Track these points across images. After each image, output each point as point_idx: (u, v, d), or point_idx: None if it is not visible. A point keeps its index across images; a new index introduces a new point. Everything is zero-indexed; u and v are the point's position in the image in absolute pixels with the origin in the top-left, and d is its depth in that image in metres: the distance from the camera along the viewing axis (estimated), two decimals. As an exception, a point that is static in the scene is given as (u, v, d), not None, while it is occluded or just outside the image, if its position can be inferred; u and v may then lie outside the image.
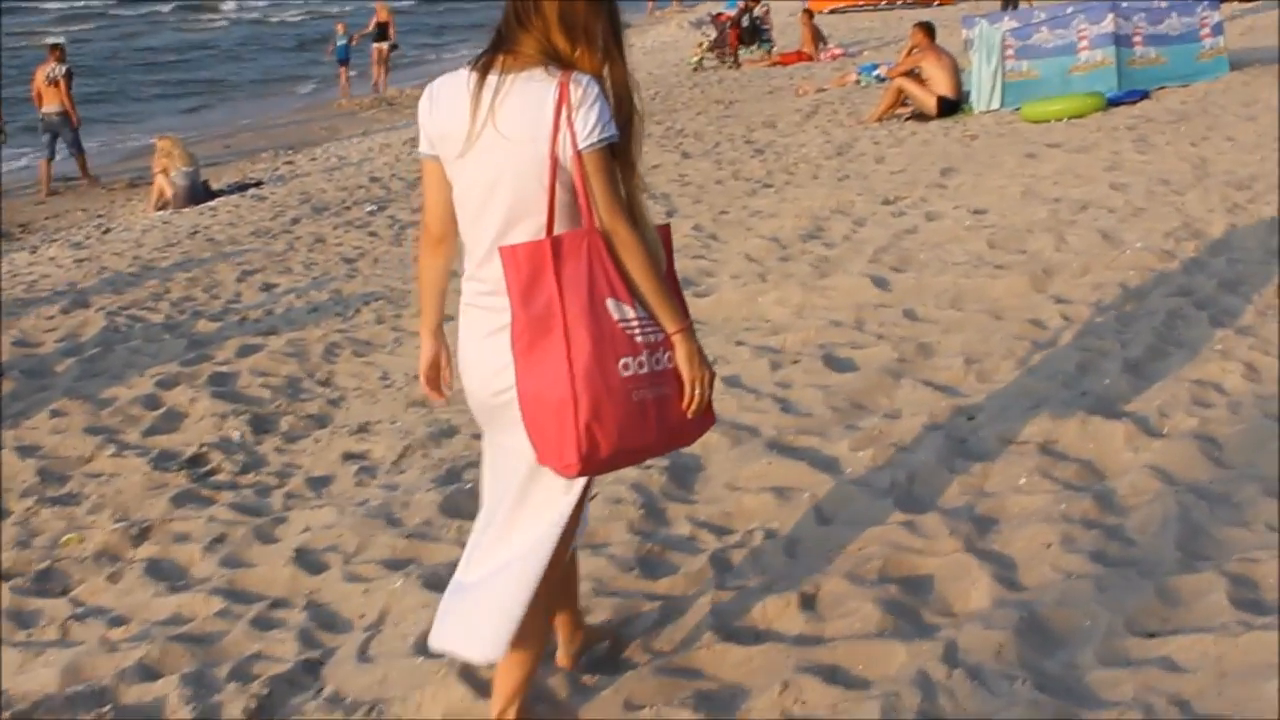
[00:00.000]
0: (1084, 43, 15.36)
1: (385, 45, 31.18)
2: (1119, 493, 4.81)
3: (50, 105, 20.84)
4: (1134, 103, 14.76)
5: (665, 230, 3.52)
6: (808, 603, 4.32)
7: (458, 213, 3.42)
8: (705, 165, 14.31)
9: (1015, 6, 24.32)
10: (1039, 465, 5.12)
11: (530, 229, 3.27)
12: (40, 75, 21.17)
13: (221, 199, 17.36)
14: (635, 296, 3.27)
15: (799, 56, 26.27)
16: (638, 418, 3.27)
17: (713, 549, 4.88)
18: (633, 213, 3.31)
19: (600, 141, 3.21)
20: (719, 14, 28.13)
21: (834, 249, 9.38)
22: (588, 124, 3.19)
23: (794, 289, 8.26)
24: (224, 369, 8.32)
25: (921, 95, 15.76)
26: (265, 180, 18.67)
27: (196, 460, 6.76)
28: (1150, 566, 4.19)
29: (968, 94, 15.96)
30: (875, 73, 20.20)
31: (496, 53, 3.30)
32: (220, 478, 6.54)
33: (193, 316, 9.94)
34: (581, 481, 3.42)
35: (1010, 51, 15.58)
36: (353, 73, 31.47)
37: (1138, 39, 15.47)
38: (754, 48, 27.05)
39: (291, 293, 10.66)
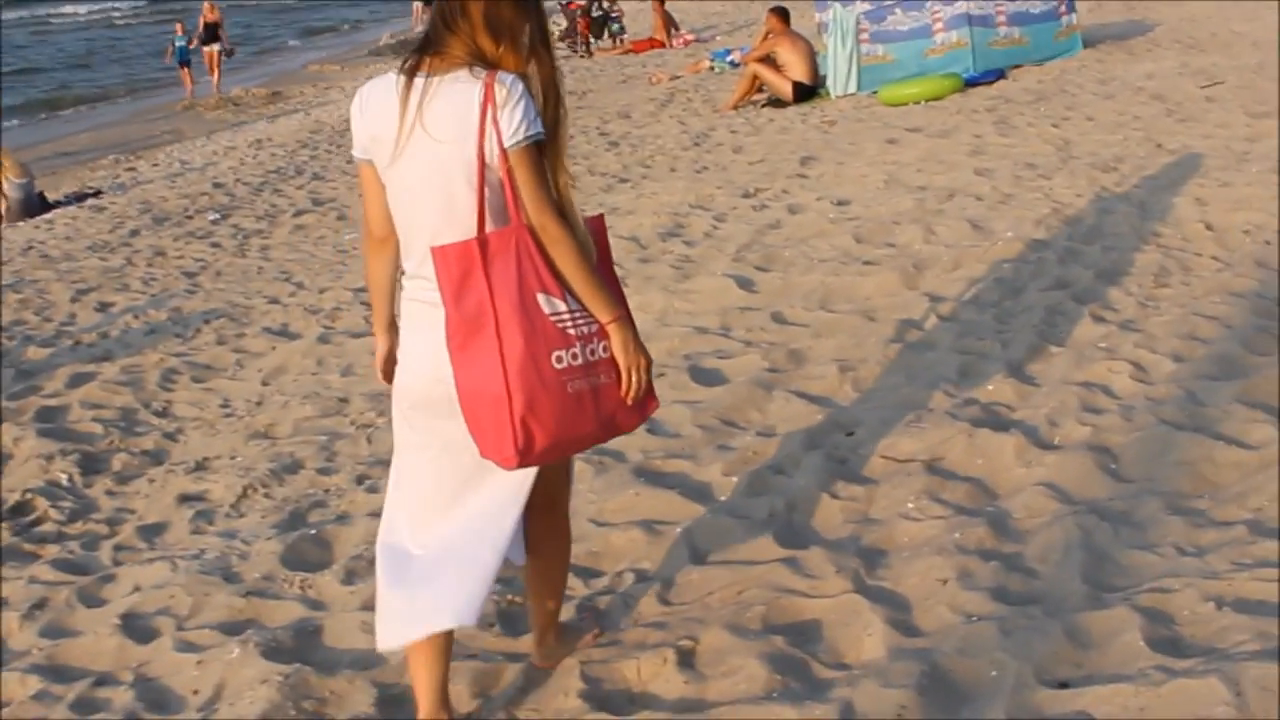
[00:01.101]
0: (939, 24, 15.12)
1: (216, 49, 30.06)
2: (1014, 515, 4.46)
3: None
4: (990, 83, 14.59)
5: (599, 220, 3.57)
6: (686, 660, 3.89)
7: (393, 214, 3.46)
8: (559, 160, 13.81)
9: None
10: (927, 486, 4.75)
11: (462, 228, 3.29)
12: None
13: (59, 210, 16.55)
14: (566, 290, 3.31)
15: (651, 44, 25.94)
16: (574, 408, 3.32)
17: (580, 595, 4.45)
18: (561, 207, 3.33)
19: (526, 139, 3.23)
20: (569, 2, 27.64)
21: (695, 247, 8.99)
22: (513, 122, 3.21)
23: (655, 294, 7.84)
24: (53, 402, 7.77)
25: (777, 81, 15.44)
26: (105, 189, 17.86)
27: (19, 509, 6.23)
28: (1056, 603, 3.82)
29: (824, 78, 15.67)
30: (729, 58, 19.88)
31: (423, 55, 3.32)
32: (45, 528, 6.01)
33: (22, 342, 9.29)
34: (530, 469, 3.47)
35: (865, 35, 15.29)
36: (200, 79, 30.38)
37: (1001, 18, 15.26)
38: (605, 36, 26.63)
39: (129, 312, 10.09)
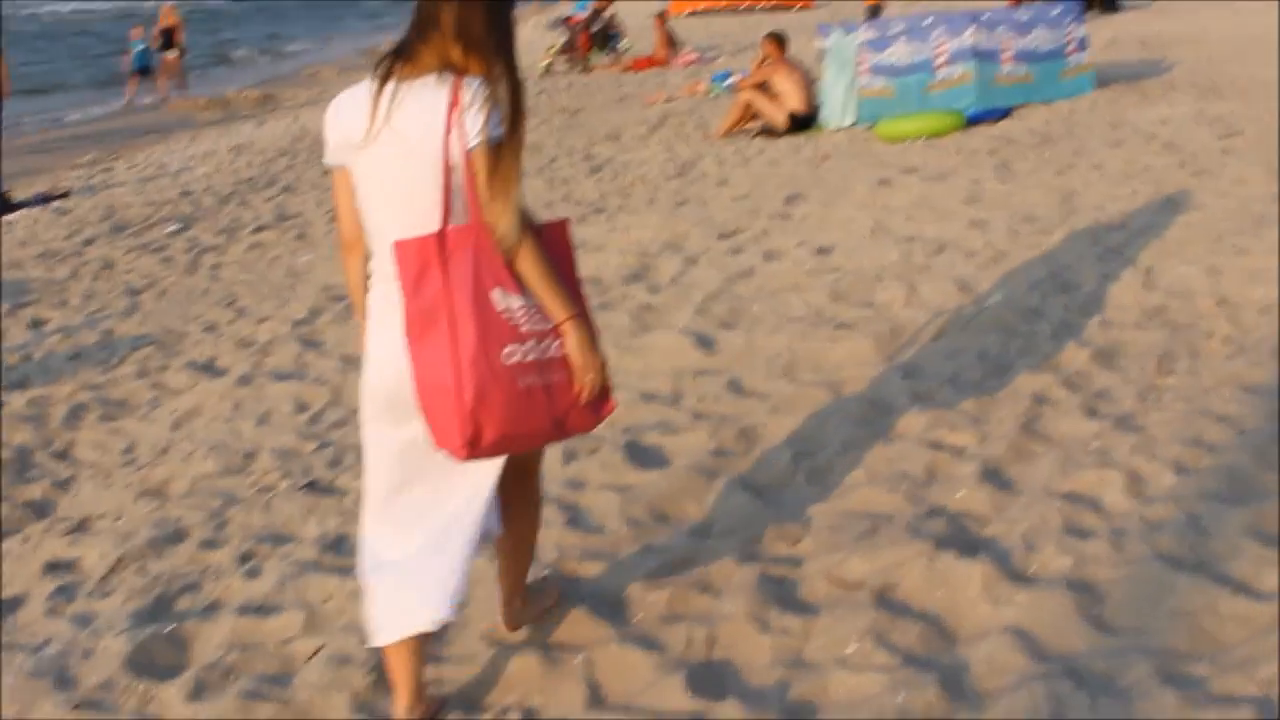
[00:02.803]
0: (942, 58, 14.38)
1: (173, 54, 29.18)
2: (973, 671, 3.69)
3: None
4: (994, 121, 13.86)
5: (563, 226, 3.72)
6: None
7: (365, 214, 3.55)
8: (537, 184, 13.11)
9: (878, 15, 23.46)
10: (874, 623, 3.98)
11: (427, 225, 3.38)
12: None
13: (23, 212, 15.81)
14: (523, 287, 3.41)
15: (651, 62, 25.23)
16: (525, 404, 3.39)
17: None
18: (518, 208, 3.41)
19: (488, 140, 3.33)
20: (569, 17, 26.96)
21: (659, 294, 8.23)
22: (476, 124, 3.33)
23: (607, 348, 7.00)
24: (-52, 440, 7.01)
25: (771, 110, 14.70)
26: (74, 190, 17.14)
27: None
28: (1014, 807, 3.07)
29: (820, 108, 14.93)
30: (727, 82, 19.15)
31: (395, 61, 3.44)
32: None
33: (-60, 361, 8.56)
34: (498, 460, 3.58)
35: (864, 66, 14.54)
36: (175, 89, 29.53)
37: (1006, 54, 14.54)
38: (604, 52, 25.93)
39: (60, 332, 9.38)
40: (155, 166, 18.99)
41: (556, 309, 3.46)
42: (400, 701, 3.74)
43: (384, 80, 3.44)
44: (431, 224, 3.39)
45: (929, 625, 3.98)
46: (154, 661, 4.46)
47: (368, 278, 3.62)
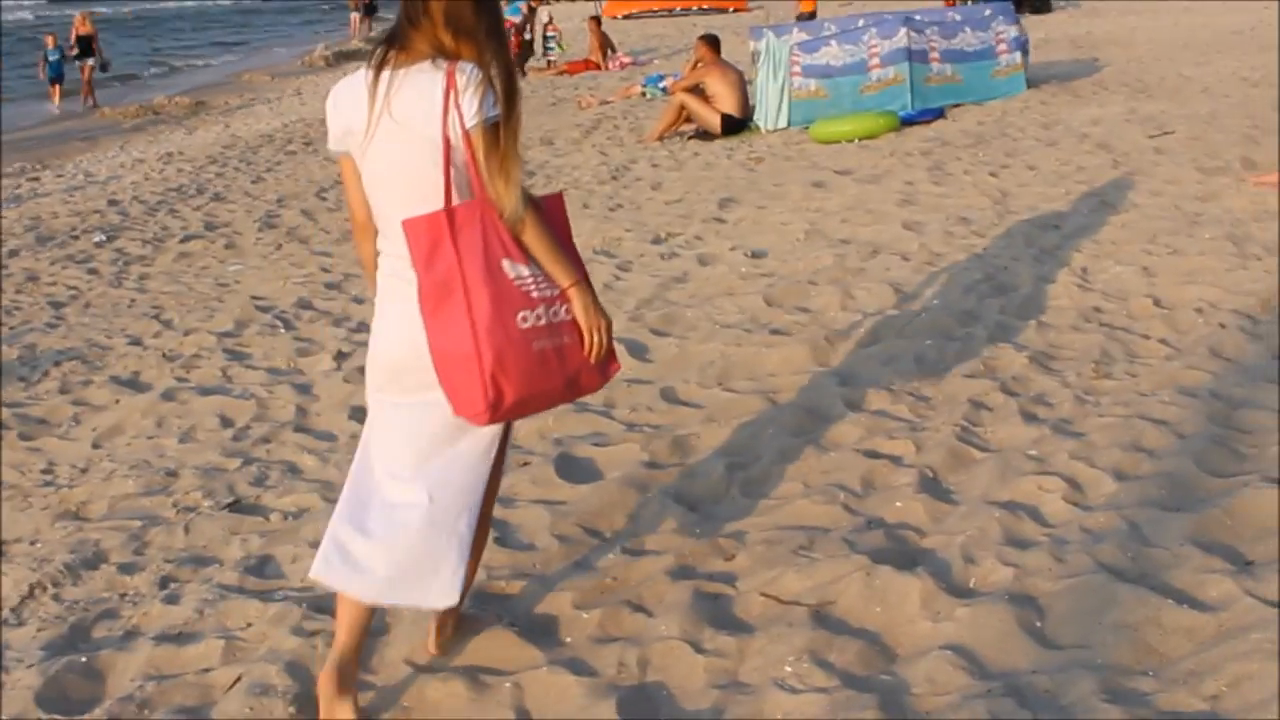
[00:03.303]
0: (875, 60, 14.34)
1: (90, 62, 28.62)
2: (913, 690, 3.58)
3: None
4: (928, 122, 13.83)
5: (559, 198, 3.83)
6: None
7: (369, 197, 3.68)
8: (468, 191, 12.92)
9: (812, 18, 23.44)
10: (811, 643, 3.86)
11: (431, 204, 3.50)
12: None
13: (-53, 223, 15.45)
14: (529, 257, 3.54)
15: (587, 65, 25.11)
16: (539, 366, 3.54)
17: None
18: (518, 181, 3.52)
19: (486, 120, 3.45)
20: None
21: (592, 302, 8.09)
22: (473, 105, 3.44)
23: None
24: None
25: (705, 113, 14.60)
26: (-1, 202, 16.79)
27: None
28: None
29: (754, 110, 14.84)
30: (661, 84, 19.05)
31: (389, 50, 3.57)
32: None
33: None
34: (498, 427, 3.72)
35: (796, 68, 14.47)
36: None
37: (934, 55, 14.52)
38: (542, 56, 25.79)
39: (-21, 346, 9.07)
40: (83, 175, 18.67)
41: (562, 275, 3.60)
42: (329, 660, 3.79)
43: (379, 69, 3.57)
44: (435, 204, 3.51)
45: (867, 643, 3.86)
46: (67, 696, 4.26)
47: (377, 255, 3.76)
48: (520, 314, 3.52)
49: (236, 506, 5.72)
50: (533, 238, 3.56)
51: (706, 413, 5.98)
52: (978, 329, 6.59)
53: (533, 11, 26.31)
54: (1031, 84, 15.19)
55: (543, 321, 3.56)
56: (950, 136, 12.78)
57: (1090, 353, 6.11)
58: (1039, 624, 3.83)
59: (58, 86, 28.26)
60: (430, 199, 3.53)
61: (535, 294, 3.56)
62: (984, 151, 11.72)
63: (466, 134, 3.46)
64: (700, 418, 5.92)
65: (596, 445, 5.73)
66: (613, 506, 5.08)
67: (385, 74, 3.55)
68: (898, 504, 4.73)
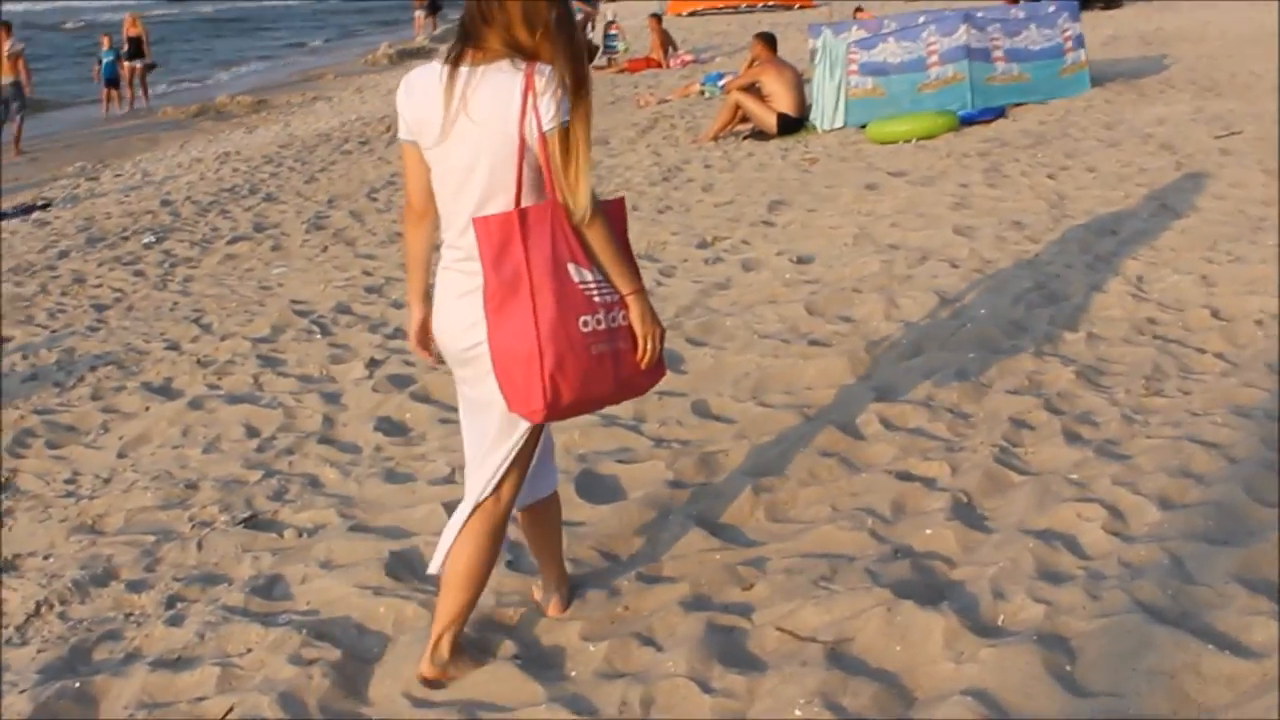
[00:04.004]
0: (934, 58, 14.01)
1: (140, 64, 28.56)
2: (931, 741, 3.34)
3: (7, 77, 22.52)
4: (988, 122, 13.49)
5: (620, 203, 3.84)
6: None
7: (437, 191, 3.73)
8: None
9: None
10: (824, 684, 3.62)
11: (502, 202, 3.58)
12: None
13: (3, 223, 15.51)
14: (593, 261, 3.60)
15: (648, 63, 24.87)
16: (596, 369, 3.61)
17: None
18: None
19: (562, 124, 3.49)
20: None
21: (630, 309, 7.88)
22: (550, 108, 3.48)
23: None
24: (-117, 471, 6.69)
25: (761, 112, 14.34)
26: (56, 201, 16.84)
27: None
28: None
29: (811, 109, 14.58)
30: (720, 83, 18.80)
31: (465, 48, 3.59)
32: None
33: (-107, 385, 8.24)
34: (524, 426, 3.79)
35: (854, 66, 14.16)
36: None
37: (997, 54, 14.16)
38: (599, 55, 25.60)
39: (20, 351, 9.09)
40: (141, 175, 18.72)
41: (623, 281, 3.68)
42: (434, 626, 4.03)
43: (455, 66, 3.60)
44: (505, 200, 3.58)
45: (884, 686, 3.62)
46: (57, 722, 4.13)
47: (436, 248, 3.84)
48: (582, 318, 3.58)
49: (252, 522, 5.58)
50: (599, 242, 3.62)
51: (738, 428, 5.75)
52: (1025, 341, 6.32)
53: (594, 7, 26.10)
54: (1097, 81, 14.78)
55: (602, 326, 3.62)
56: (1010, 137, 12.45)
57: (1141, 367, 5.82)
58: (1069, 668, 3.57)
59: (112, 91, 28.27)
60: (501, 197, 3.59)
61: (597, 299, 3.61)
62: (1043, 152, 11.38)
63: (543, 136, 3.50)
64: (731, 434, 5.70)
65: (621, 462, 5.52)
66: (632, 528, 4.88)
67: (462, 71, 3.58)
68: (927, 531, 4.48)
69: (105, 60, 28.15)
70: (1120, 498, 4.52)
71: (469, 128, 3.56)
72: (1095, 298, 6.90)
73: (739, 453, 5.43)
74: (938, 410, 5.61)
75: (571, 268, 3.57)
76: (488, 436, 3.83)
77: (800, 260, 8.49)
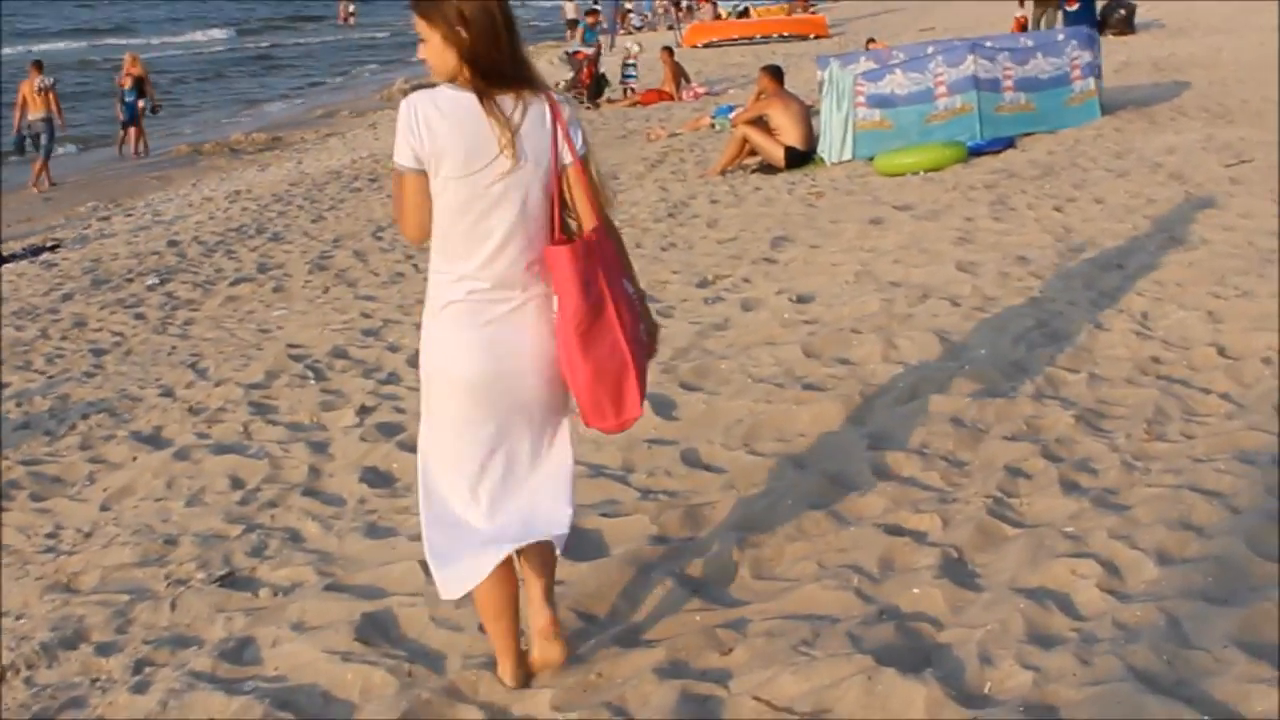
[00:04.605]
0: (941, 89, 13.85)
1: (141, 103, 27.77)
2: (908, 825, 3.16)
3: (37, 113, 23.34)
4: (997, 152, 13.32)
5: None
6: None
7: (456, 221, 3.66)
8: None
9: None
10: (799, 761, 3.45)
11: (533, 231, 3.67)
12: (26, 87, 23.64)
13: (10, 266, 15.46)
14: (631, 276, 3.86)
15: (660, 95, 24.75)
16: (646, 373, 3.83)
17: None
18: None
19: (589, 149, 3.73)
20: (576, 51, 26.54)
21: (625, 351, 7.73)
22: (578, 134, 3.68)
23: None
24: None
25: (768, 146, 14.20)
26: (66, 242, 16.80)
27: None
28: None
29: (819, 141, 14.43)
30: (730, 115, 18.67)
31: (489, 81, 3.57)
32: None
33: (-115, 433, 8.14)
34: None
35: (861, 98, 14.01)
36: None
37: (1007, 83, 13.99)
38: (614, 86, 25.54)
39: (15, 398, 9.04)
40: (151, 215, 18.68)
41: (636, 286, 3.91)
42: (505, 666, 4.08)
43: (486, 98, 3.58)
44: (539, 228, 3.68)
45: (861, 762, 3.45)
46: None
47: (443, 276, 3.76)
48: (639, 326, 3.82)
49: (228, 580, 5.44)
50: (626, 255, 3.90)
51: (727, 478, 5.59)
52: (1024, 383, 6.15)
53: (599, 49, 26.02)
54: (1107, 110, 14.60)
55: (643, 333, 3.85)
56: (1018, 167, 12.28)
57: (1143, 410, 5.64)
58: (1057, 743, 3.39)
59: (131, 130, 27.69)
60: (533, 225, 3.67)
61: (639, 308, 3.86)
62: (1051, 184, 11.20)
63: (579, 161, 3.68)
64: (719, 484, 5.53)
65: (605, 515, 5.35)
66: (612, 587, 4.71)
67: (504, 100, 3.59)
68: (915, 590, 4.30)
69: (127, 100, 27.70)
70: (1117, 552, 4.34)
71: (508, 156, 3.59)
72: (1098, 336, 6.73)
73: (726, 505, 5.26)
74: (931, 458, 5.43)
75: (626, 283, 3.80)
76: (546, 439, 3.90)
77: (800, 299, 8.33)
